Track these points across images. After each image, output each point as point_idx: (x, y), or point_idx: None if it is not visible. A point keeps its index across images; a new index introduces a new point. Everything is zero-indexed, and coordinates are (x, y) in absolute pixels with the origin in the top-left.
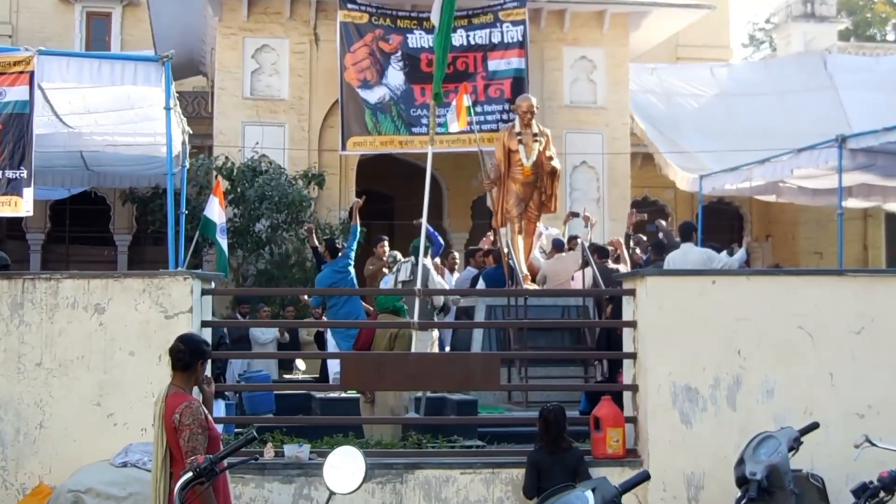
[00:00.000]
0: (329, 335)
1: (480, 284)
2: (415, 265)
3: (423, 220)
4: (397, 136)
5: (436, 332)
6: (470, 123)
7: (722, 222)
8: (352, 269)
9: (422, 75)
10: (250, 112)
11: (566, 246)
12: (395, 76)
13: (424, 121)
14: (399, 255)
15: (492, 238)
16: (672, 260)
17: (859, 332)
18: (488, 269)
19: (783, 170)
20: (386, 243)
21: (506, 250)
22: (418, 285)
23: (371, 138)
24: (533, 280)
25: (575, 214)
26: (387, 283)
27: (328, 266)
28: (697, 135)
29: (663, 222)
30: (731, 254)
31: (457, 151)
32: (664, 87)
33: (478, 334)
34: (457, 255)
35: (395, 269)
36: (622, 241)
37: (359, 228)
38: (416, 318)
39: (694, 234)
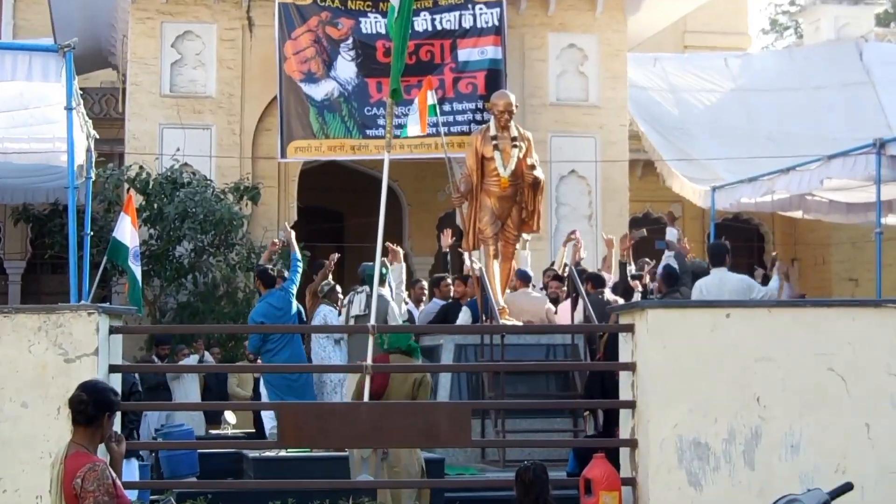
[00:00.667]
0: (261, 385)
1: (464, 318)
2: (369, 296)
3: (380, 239)
4: (348, 139)
5: None
6: (434, 126)
7: (738, 243)
8: (295, 305)
9: (378, 67)
10: (170, 112)
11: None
12: (346, 68)
13: (381, 121)
14: (335, 285)
15: (448, 242)
16: (705, 288)
17: None
18: (473, 300)
19: (811, 180)
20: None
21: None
22: (372, 320)
23: (317, 143)
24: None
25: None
26: (330, 318)
27: (262, 300)
28: (709, 139)
29: (674, 231)
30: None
31: (420, 158)
32: (669, 82)
33: (445, 379)
34: (425, 283)
35: (346, 301)
36: (614, 260)
37: (299, 258)
38: (369, 361)
39: (727, 257)
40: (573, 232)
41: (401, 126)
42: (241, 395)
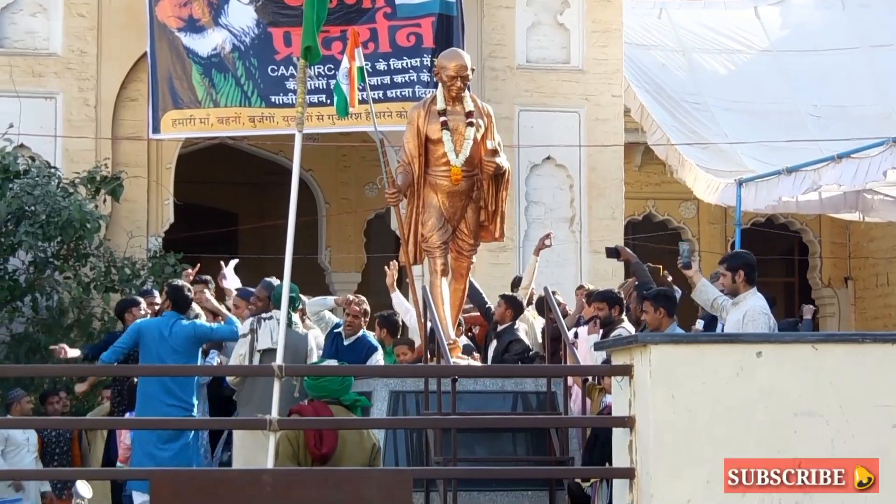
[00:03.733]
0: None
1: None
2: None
3: (289, 249)
4: (246, 108)
5: None
6: (362, 92)
7: (772, 255)
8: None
9: (286, 13)
10: None
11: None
12: (242, 13)
13: (291, 84)
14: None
15: (395, 271)
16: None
17: None
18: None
19: (871, 171)
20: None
21: (420, 301)
22: (279, 359)
23: (202, 113)
24: (480, 348)
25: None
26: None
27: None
28: (734, 116)
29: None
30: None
31: (342, 133)
32: (680, 40)
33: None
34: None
35: (245, 330)
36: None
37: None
38: (274, 414)
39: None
40: (547, 236)
41: (317, 93)
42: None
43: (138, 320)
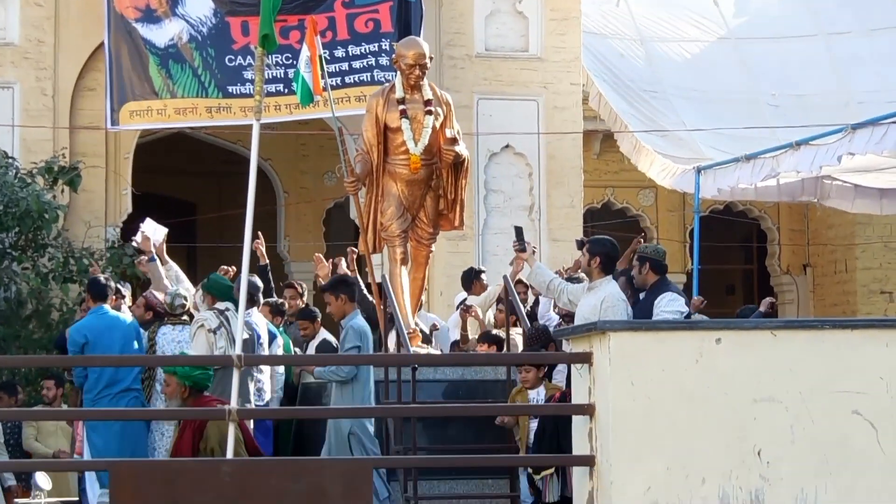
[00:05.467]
0: (83, 431)
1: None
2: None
3: (247, 239)
4: (203, 99)
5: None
6: (322, 80)
7: (730, 242)
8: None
9: (244, 3)
10: None
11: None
12: (199, 3)
13: (249, 75)
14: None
15: (344, 262)
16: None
17: None
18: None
19: (829, 157)
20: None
21: (377, 289)
22: (238, 349)
23: (159, 104)
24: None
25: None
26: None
27: (92, 312)
28: (692, 104)
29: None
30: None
31: (300, 122)
32: (638, 28)
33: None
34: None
35: (213, 326)
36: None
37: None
38: (233, 404)
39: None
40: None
41: (274, 83)
42: (42, 451)
43: (72, 329)
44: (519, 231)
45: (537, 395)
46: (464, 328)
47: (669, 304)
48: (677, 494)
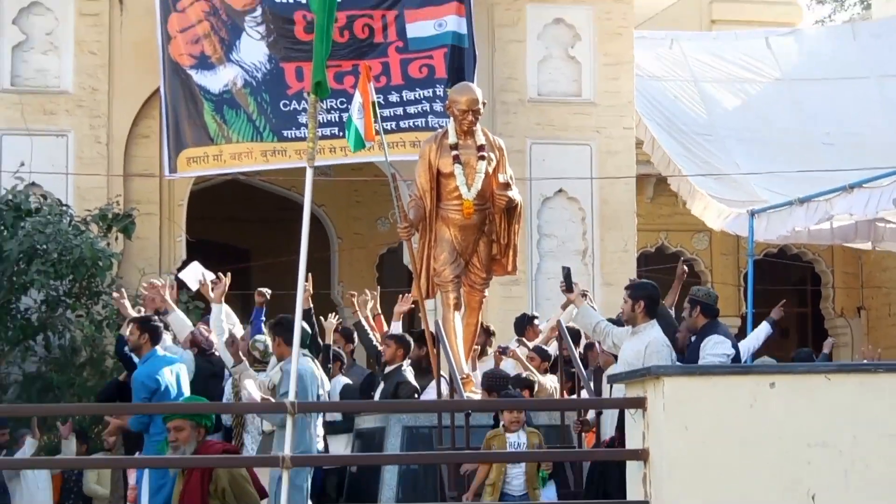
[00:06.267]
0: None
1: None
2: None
3: (301, 283)
4: (258, 143)
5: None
6: (375, 125)
7: (785, 285)
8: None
9: (297, 48)
10: (10, 113)
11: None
12: (253, 49)
13: (303, 119)
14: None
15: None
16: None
17: None
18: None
19: (884, 200)
20: None
21: (430, 335)
22: (291, 395)
23: (214, 150)
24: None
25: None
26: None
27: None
28: (745, 147)
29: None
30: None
31: (353, 168)
32: (691, 70)
33: (390, 475)
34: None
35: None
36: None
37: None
38: (287, 450)
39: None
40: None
41: (329, 126)
42: (101, 493)
43: (137, 373)
44: (567, 272)
45: (518, 439)
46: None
47: (715, 348)
48: None
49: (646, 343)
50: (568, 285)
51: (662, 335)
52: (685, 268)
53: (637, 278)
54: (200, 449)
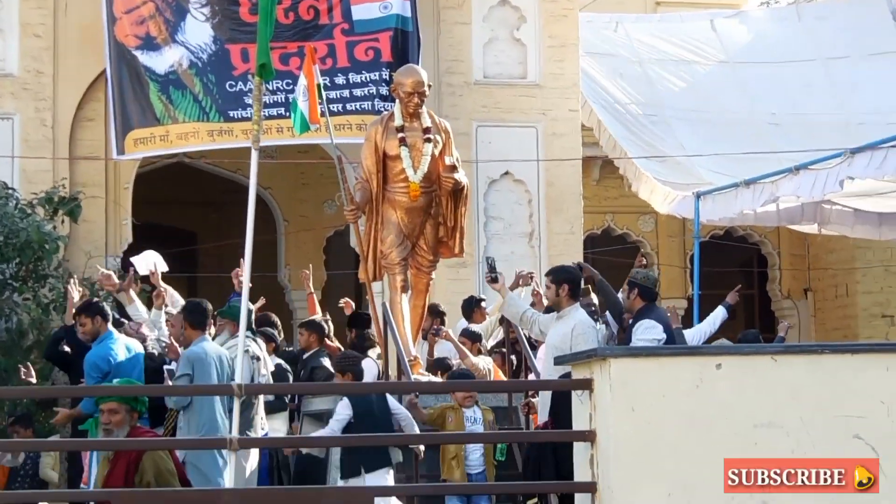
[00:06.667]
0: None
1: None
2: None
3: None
4: (204, 123)
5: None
6: (321, 106)
7: (731, 267)
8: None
9: (243, 30)
10: None
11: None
12: (198, 30)
13: (249, 100)
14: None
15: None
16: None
17: None
18: None
19: (830, 182)
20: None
21: (380, 320)
22: (238, 378)
23: (161, 130)
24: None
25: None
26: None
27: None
28: (691, 129)
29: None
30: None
31: (300, 150)
32: (636, 53)
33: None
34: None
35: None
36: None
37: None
38: (234, 432)
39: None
40: (529, 276)
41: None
42: (57, 480)
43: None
44: (491, 262)
45: (474, 414)
46: (430, 353)
47: (645, 333)
48: None
49: (571, 326)
50: (492, 275)
51: (587, 317)
52: (644, 260)
53: (585, 261)
54: (132, 434)
